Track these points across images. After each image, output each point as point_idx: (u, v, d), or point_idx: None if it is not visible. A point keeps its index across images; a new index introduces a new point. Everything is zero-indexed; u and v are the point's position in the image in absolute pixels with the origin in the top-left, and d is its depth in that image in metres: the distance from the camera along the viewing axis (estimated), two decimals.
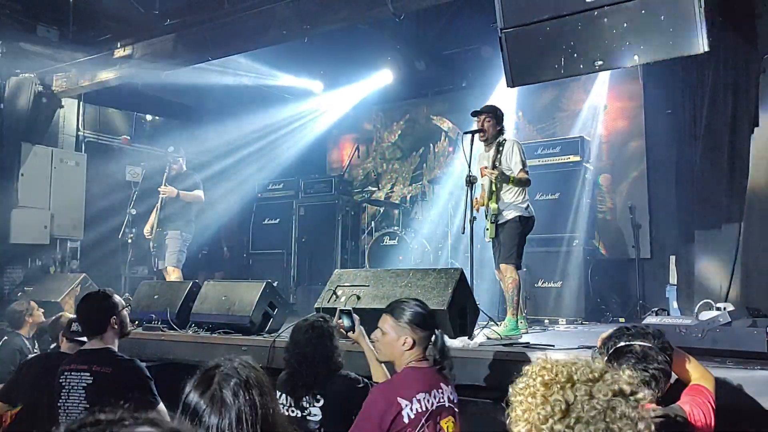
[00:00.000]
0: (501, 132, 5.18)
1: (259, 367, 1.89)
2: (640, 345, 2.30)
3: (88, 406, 2.99)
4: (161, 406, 3.13)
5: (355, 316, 3.51)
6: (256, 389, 1.75)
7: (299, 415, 3.03)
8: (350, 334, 3.50)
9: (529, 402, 1.27)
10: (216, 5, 6.68)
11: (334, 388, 3.06)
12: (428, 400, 2.65)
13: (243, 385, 1.74)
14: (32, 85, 8.27)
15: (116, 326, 3.24)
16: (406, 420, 2.55)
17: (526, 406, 1.28)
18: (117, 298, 3.34)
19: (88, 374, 3.05)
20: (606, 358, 2.35)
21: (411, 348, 2.77)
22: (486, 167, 5.14)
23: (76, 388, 3.05)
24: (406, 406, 2.57)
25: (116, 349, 3.24)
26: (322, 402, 3.03)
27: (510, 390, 1.36)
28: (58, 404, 3.08)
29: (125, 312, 3.35)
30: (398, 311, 2.85)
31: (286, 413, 3.05)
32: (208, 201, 10.06)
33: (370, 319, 4.48)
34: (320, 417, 3.00)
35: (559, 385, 1.26)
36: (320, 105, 10.39)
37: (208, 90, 10.25)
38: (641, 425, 1.23)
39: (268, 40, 6.58)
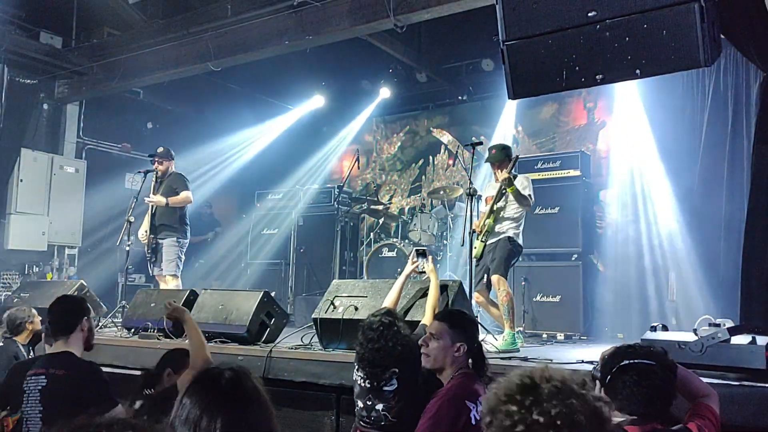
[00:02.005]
0: (514, 165, 5.25)
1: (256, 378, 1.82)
2: (642, 363, 2.27)
3: (42, 409, 2.96)
4: (119, 407, 3.07)
5: (430, 255, 4.25)
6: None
7: (374, 385, 3.22)
8: (426, 266, 4.15)
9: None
10: (219, 14, 6.72)
11: (407, 359, 3.23)
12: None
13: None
14: (34, 92, 8.29)
15: (84, 331, 3.20)
16: (473, 422, 2.61)
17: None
18: (89, 305, 3.32)
19: (43, 377, 3.02)
20: (609, 375, 2.32)
21: (462, 355, 2.85)
22: (492, 197, 5.21)
23: (33, 391, 3.01)
24: (473, 408, 2.65)
25: (78, 354, 3.17)
26: (398, 374, 3.20)
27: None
28: (22, 409, 3.04)
29: (92, 322, 3.30)
30: (454, 318, 2.98)
31: (362, 384, 3.27)
32: (209, 209, 10.11)
33: None
34: (396, 386, 3.18)
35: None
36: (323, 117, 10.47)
37: (209, 98, 10.30)
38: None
39: (270, 49, 6.61)
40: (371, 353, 3.24)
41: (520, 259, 5.56)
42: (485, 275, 5.13)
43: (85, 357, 3.26)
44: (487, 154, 5.42)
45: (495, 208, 5.16)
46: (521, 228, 5.28)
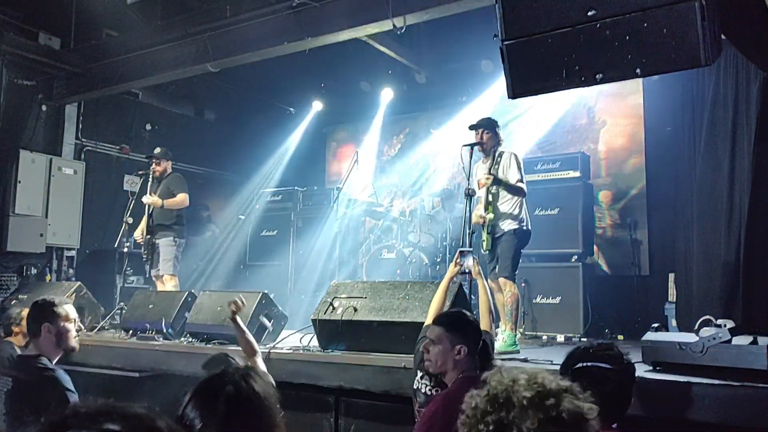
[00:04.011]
0: (499, 143, 5.21)
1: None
2: (596, 367, 2.25)
3: (5, 412, 2.99)
4: None
5: (474, 256, 3.98)
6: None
7: (439, 391, 3.13)
8: (471, 268, 3.92)
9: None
10: (217, 15, 6.71)
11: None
12: None
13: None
14: (32, 93, 8.27)
15: (52, 335, 3.17)
16: None
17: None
18: (63, 309, 3.25)
19: (10, 380, 3.05)
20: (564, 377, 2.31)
21: (464, 357, 2.79)
22: (482, 181, 5.16)
23: (0, 393, 3.05)
24: None
25: (50, 359, 3.15)
26: None
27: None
28: None
29: (68, 325, 3.23)
30: (452, 321, 2.91)
31: (428, 393, 3.20)
32: (207, 210, 10.09)
33: (366, 331, 4.45)
34: None
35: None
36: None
37: (207, 100, 10.29)
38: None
39: (269, 50, 6.59)
40: None
41: (521, 260, 5.52)
42: (496, 265, 5.08)
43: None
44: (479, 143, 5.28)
45: (490, 200, 5.09)
46: (523, 212, 5.15)
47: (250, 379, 1.74)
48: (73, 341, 3.28)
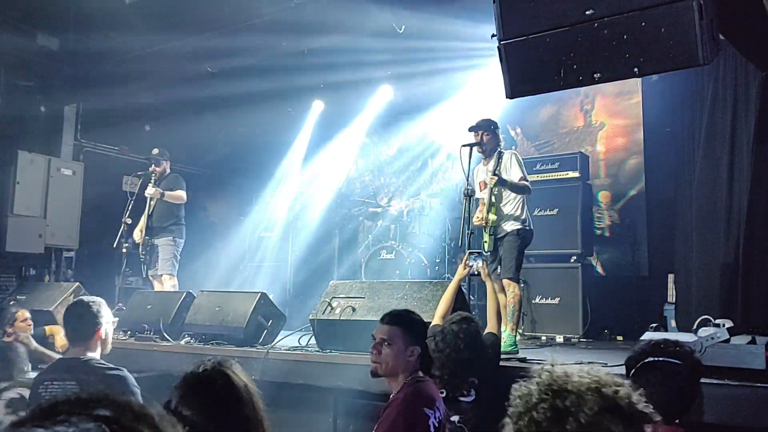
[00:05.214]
0: (498, 144, 5.20)
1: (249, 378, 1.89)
2: (667, 362, 2.24)
3: None
4: None
5: (483, 259, 4.01)
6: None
7: (451, 396, 3.10)
8: (480, 270, 3.95)
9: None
10: (216, 15, 6.70)
11: (486, 368, 3.17)
12: (441, 409, 2.64)
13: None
14: (31, 93, 8.26)
15: (102, 338, 3.14)
16: (432, 429, 2.51)
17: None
18: (108, 311, 3.25)
19: (73, 383, 2.95)
20: (632, 370, 2.30)
21: (416, 358, 2.72)
22: (484, 182, 5.15)
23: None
24: (431, 415, 2.54)
25: (99, 359, 3.13)
26: (477, 384, 3.11)
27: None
28: None
29: (110, 328, 3.23)
30: (406, 321, 2.82)
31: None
32: (206, 211, 10.08)
33: (365, 331, 4.44)
34: (474, 397, 3.08)
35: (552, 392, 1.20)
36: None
37: (207, 101, 10.25)
38: None
39: (268, 50, 6.60)
40: (453, 363, 3.09)
41: None
42: (498, 266, 5.08)
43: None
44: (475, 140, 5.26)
45: (492, 201, 5.08)
46: (525, 213, 5.13)
47: (227, 370, 1.84)
48: (110, 344, 3.26)
